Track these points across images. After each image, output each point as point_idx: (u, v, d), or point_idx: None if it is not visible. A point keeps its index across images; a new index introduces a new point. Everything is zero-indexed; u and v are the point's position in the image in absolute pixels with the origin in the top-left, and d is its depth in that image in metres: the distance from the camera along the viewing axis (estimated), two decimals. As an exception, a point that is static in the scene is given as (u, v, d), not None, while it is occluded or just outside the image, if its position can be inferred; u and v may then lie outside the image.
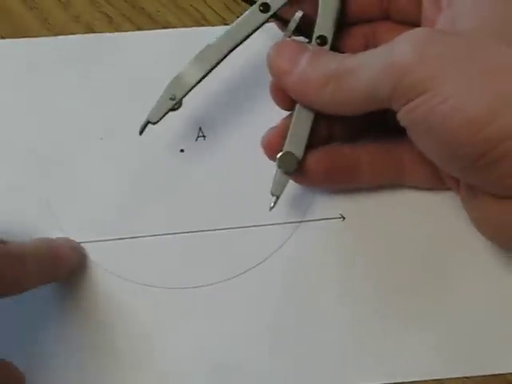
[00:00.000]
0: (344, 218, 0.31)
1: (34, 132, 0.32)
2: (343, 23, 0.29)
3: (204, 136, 0.33)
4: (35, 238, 0.30)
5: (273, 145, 0.29)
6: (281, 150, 0.28)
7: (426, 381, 0.30)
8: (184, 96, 0.29)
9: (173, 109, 0.29)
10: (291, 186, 0.31)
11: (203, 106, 0.33)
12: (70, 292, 0.31)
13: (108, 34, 0.33)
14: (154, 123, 0.29)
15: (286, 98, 0.28)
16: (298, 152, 0.28)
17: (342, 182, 0.30)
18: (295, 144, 0.28)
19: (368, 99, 0.26)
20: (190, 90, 0.29)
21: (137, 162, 0.32)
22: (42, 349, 0.30)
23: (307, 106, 0.28)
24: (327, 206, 0.32)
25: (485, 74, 0.23)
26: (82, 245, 0.31)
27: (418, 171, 0.30)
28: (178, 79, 0.29)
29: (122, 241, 0.31)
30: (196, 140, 0.33)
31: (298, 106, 0.28)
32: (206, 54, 0.29)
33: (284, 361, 0.30)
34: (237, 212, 0.31)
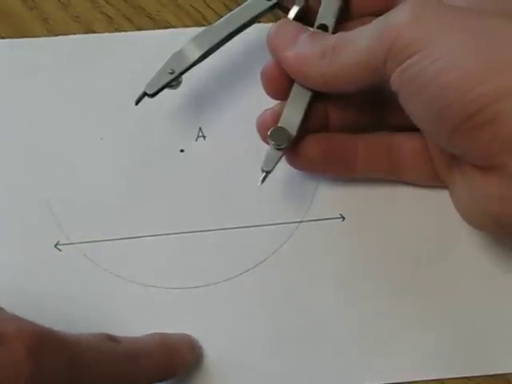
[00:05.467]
0: (344, 218, 0.31)
1: (33, 132, 0.32)
2: (346, 16, 0.29)
3: (204, 136, 0.33)
4: (150, 333, 0.29)
5: (267, 125, 0.28)
6: None
7: (426, 381, 0.30)
8: (183, 73, 0.29)
9: (171, 85, 0.29)
10: (291, 185, 0.31)
11: (203, 105, 0.33)
12: (69, 292, 0.31)
13: (107, 34, 0.34)
14: (151, 95, 0.29)
15: (277, 86, 0.28)
16: (292, 129, 0.28)
17: (337, 170, 0.30)
18: (289, 121, 0.28)
19: (364, 69, 0.25)
20: (190, 68, 0.29)
21: (137, 162, 0.32)
22: None
23: (304, 83, 0.28)
24: (327, 206, 0.31)
25: (479, 37, 0.23)
26: (82, 245, 0.31)
27: (416, 166, 0.30)
28: (178, 55, 0.29)
29: (121, 241, 0.31)
30: (196, 140, 0.33)
31: (294, 87, 0.28)
32: (207, 34, 0.29)
33: (284, 360, 0.30)
34: (237, 212, 0.31)
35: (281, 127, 0.28)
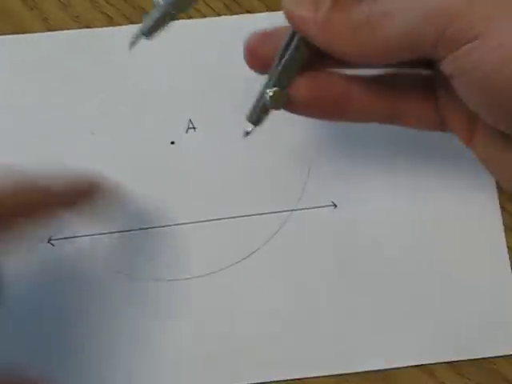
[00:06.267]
0: (336, 206, 0.32)
1: (22, 127, 0.32)
2: None
3: (194, 127, 0.33)
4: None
5: (256, 50, 0.27)
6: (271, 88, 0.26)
7: (417, 366, 0.30)
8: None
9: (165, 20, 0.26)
10: (282, 174, 0.31)
11: (192, 96, 0.33)
12: (64, 287, 0.30)
13: (99, 29, 0.34)
14: (147, 34, 0.27)
15: (261, 60, 0.27)
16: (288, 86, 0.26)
17: (330, 113, 0.28)
18: (286, 79, 0.26)
19: (405, 47, 0.23)
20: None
21: (128, 156, 0.32)
22: (43, 348, 0.30)
23: (333, 54, 0.25)
24: (318, 194, 0.32)
25: None
26: (75, 239, 0.31)
27: (416, 110, 0.28)
28: None
29: (114, 234, 0.31)
30: (186, 132, 0.33)
31: (296, 40, 0.26)
32: None
33: (283, 347, 0.30)
34: (229, 202, 0.32)
35: (280, 91, 0.26)
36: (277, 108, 0.26)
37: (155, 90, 0.33)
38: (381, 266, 0.31)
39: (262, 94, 0.26)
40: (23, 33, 0.34)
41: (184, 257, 0.31)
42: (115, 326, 0.30)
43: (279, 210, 0.32)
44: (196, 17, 0.34)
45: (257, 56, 0.26)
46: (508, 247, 0.31)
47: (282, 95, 0.26)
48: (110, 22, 0.34)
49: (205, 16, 0.34)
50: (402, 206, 0.32)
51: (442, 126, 0.28)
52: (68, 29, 0.34)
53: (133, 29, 0.32)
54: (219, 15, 0.34)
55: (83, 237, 0.31)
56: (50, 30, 0.34)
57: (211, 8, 0.34)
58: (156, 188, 0.32)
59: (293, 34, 0.26)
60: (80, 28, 0.34)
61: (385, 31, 0.23)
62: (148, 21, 0.26)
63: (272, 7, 0.33)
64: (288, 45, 0.26)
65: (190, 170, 0.32)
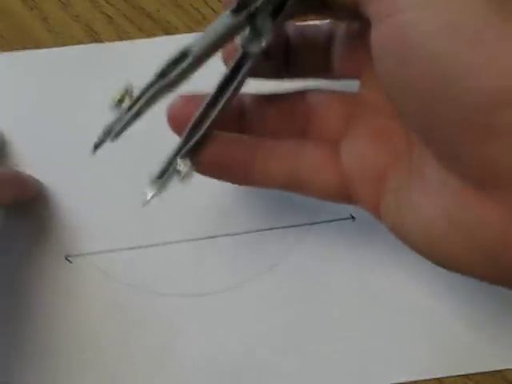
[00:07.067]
0: (354, 218, 0.32)
1: (33, 140, 0.32)
2: None
3: None
4: None
5: (180, 118, 0.25)
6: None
7: (425, 380, 0.30)
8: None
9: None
10: None
11: None
12: (82, 304, 0.31)
13: (111, 43, 0.33)
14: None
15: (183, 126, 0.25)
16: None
17: (232, 177, 0.27)
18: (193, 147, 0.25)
19: None
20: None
21: (142, 171, 0.32)
22: (52, 357, 0.30)
23: None
24: (336, 206, 0.31)
25: None
26: (92, 256, 0.31)
27: (319, 179, 0.25)
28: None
29: (131, 250, 0.31)
30: None
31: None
32: None
33: (300, 362, 0.30)
34: (246, 216, 0.31)
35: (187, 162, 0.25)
36: (186, 180, 0.25)
37: (165, 103, 0.32)
38: (399, 278, 0.31)
39: (174, 165, 0.25)
40: (23, 32, 0.33)
41: (202, 272, 0.31)
42: (129, 341, 0.30)
43: (298, 224, 0.31)
44: (197, 17, 0.34)
45: (179, 120, 0.25)
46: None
47: (189, 169, 0.25)
48: (110, 21, 0.34)
49: (205, 16, 0.34)
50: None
51: (344, 194, 0.25)
52: (68, 29, 0.33)
53: (143, 43, 0.33)
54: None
55: (101, 253, 0.31)
56: (49, 30, 0.33)
57: (211, 8, 0.34)
58: (173, 202, 0.31)
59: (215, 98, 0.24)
60: (80, 28, 0.33)
61: None
62: (116, 127, 0.25)
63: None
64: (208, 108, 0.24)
65: (207, 183, 0.31)
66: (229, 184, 0.29)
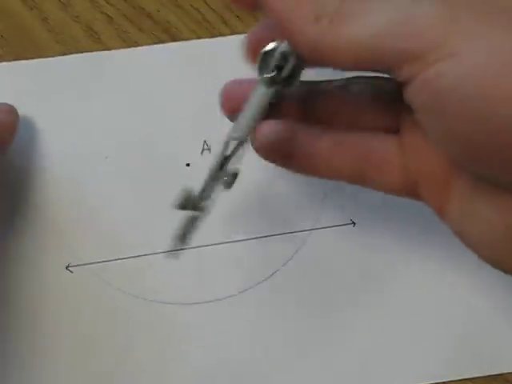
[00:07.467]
0: (354, 224, 0.31)
1: (34, 150, 0.32)
2: None
3: (209, 149, 0.32)
4: None
5: (233, 99, 0.25)
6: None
7: None
8: None
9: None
10: (300, 194, 0.31)
11: (206, 118, 0.32)
12: (83, 314, 0.31)
13: (115, 51, 0.33)
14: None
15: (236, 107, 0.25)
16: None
17: (292, 164, 0.26)
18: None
19: (365, 53, 0.20)
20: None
21: (144, 180, 0.32)
22: (53, 367, 0.30)
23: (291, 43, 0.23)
24: (337, 212, 0.31)
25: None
26: (93, 265, 0.31)
27: (387, 171, 0.25)
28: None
29: (132, 259, 0.31)
30: (201, 153, 0.32)
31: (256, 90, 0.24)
32: None
33: (302, 366, 0.30)
34: (248, 223, 0.31)
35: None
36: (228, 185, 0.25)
37: (169, 112, 0.32)
38: (400, 284, 0.31)
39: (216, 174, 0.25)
40: (23, 32, 0.33)
41: (203, 280, 0.31)
42: (131, 350, 0.30)
43: (299, 230, 0.31)
44: (197, 17, 0.34)
45: (233, 102, 0.25)
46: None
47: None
48: (110, 21, 0.34)
49: (205, 16, 0.34)
50: (422, 221, 0.31)
51: (409, 190, 0.25)
52: (68, 29, 0.33)
53: (148, 50, 0.33)
54: (219, 15, 0.33)
55: (102, 263, 0.31)
56: (49, 30, 0.33)
57: (211, 8, 0.33)
58: (173, 211, 0.31)
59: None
60: (80, 28, 0.33)
61: (349, 31, 0.20)
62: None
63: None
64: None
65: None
66: (228, 191, 0.29)
